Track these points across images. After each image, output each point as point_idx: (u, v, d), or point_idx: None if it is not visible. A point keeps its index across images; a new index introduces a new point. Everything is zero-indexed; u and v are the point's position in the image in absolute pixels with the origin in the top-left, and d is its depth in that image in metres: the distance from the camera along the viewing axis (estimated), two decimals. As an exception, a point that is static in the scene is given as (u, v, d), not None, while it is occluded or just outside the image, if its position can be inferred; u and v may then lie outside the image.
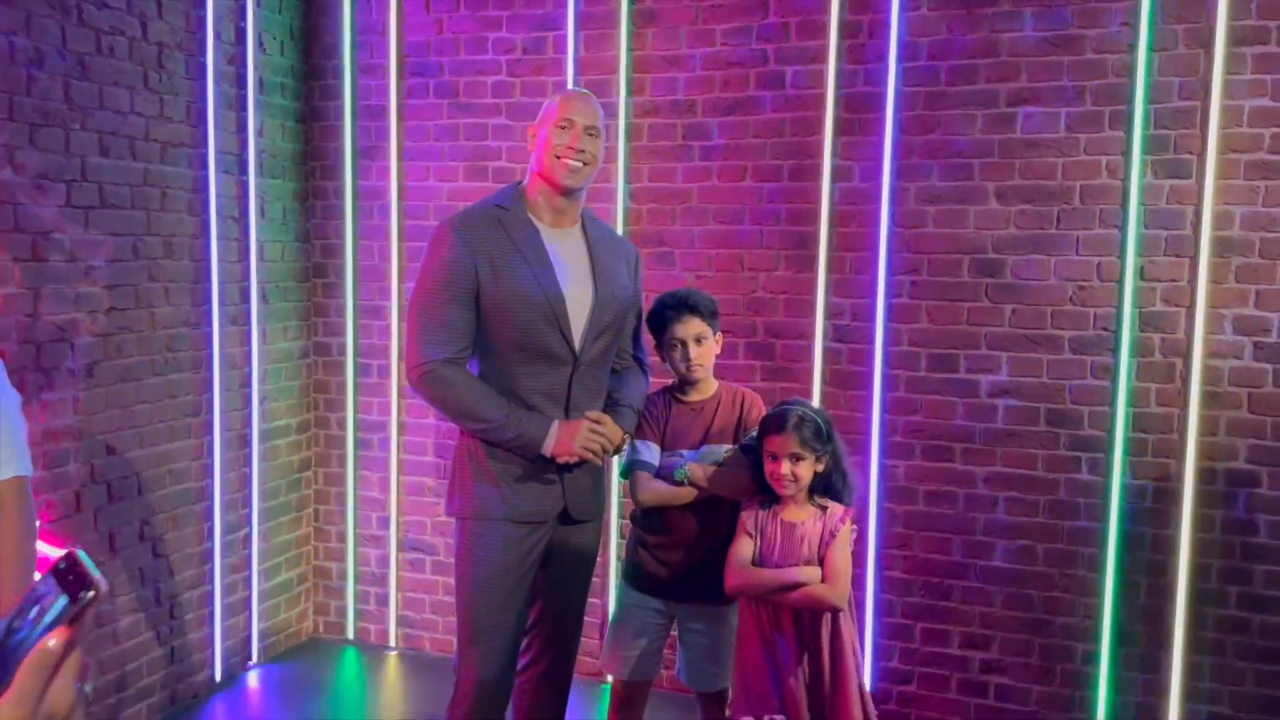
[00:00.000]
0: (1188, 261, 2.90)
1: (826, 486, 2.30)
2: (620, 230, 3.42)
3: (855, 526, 2.31)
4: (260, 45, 3.51)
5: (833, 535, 2.23)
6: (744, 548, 2.30)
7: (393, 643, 3.85)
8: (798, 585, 2.21)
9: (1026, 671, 3.12)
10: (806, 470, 2.26)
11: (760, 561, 2.29)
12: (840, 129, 3.19)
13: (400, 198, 3.70)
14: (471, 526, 2.27)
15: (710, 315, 2.41)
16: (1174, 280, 2.92)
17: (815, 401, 3.26)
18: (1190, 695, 2.96)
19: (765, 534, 2.29)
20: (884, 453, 3.22)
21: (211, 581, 3.46)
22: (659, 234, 3.41)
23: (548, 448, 2.22)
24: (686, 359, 2.39)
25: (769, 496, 2.32)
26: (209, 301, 3.36)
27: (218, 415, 3.42)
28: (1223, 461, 2.90)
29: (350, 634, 3.92)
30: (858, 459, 3.09)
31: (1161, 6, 2.87)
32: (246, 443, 3.58)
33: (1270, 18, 2.79)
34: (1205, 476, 2.91)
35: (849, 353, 3.25)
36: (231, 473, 3.52)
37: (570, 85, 3.44)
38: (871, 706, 2.27)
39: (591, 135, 2.27)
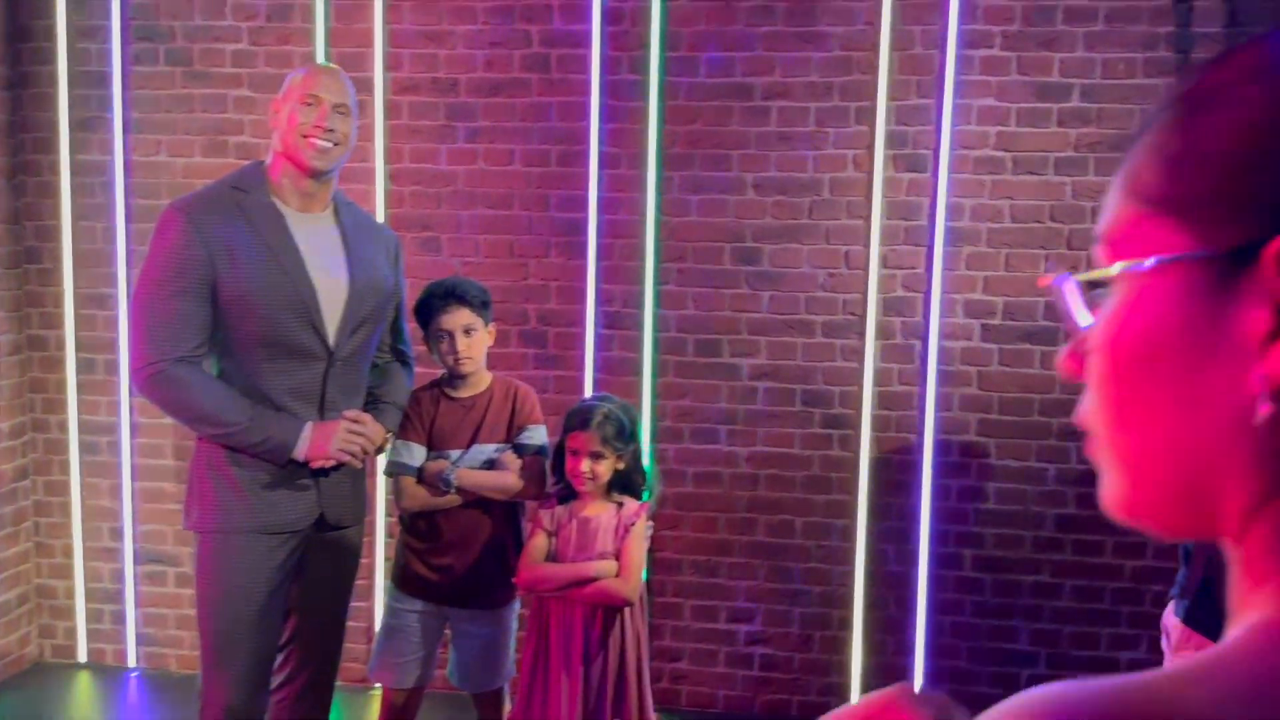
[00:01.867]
0: (924, 250, 3.11)
1: (625, 483, 2.29)
2: (380, 214, 3.26)
3: (651, 522, 2.31)
4: (-51, -3, 3.06)
5: (627, 530, 2.22)
6: (538, 543, 2.26)
7: (132, 663, 3.51)
8: (590, 580, 2.19)
9: (788, 640, 3.27)
10: (606, 468, 2.24)
11: (555, 557, 2.25)
12: (606, 116, 3.17)
13: (126, 174, 3.34)
14: (214, 541, 2.08)
15: (480, 305, 2.32)
16: (913, 268, 3.12)
17: (587, 387, 3.25)
18: (934, 652, 3.20)
19: (561, 530, 2.26)
20: (655, 437, 3.26)
21: (-95, 613, 3.02)
22: (423, 218, 3.28)
23: (300, 452, 2.07)
24: (454, 352, 2.29)
25: (566, 492, 2.29)
26: (-110, 292, 2.91)
27: (-94, 422, 2.97)
28: (956, 435, 3.14)
29: (82, 657, 3.54)
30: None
31: (900, 8, 3.04)
32: (-54, 452, 3.14)
33: (994, 23, 3.02)
34: (942, 449, 3.15)
35: (620, 339, 3.26)
36: (-73, 487, 3.08)
37: (320, 57, 3.22)
38: (650, 702, 2.29)
39: (341, 113, 2.12)
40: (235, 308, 2.03)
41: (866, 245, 3.12)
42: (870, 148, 3.09)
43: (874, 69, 3.06)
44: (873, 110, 3.07)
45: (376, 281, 2.21)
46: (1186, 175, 0.42)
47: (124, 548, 3.47)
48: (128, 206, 3.35)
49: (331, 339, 2.12)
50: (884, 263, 3.12)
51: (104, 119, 3.33)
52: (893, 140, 3.08)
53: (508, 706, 2.49)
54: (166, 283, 1.99)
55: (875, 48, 3.06)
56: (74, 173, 3.36)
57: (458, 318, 2.28)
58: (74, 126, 3.35)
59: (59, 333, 3.42)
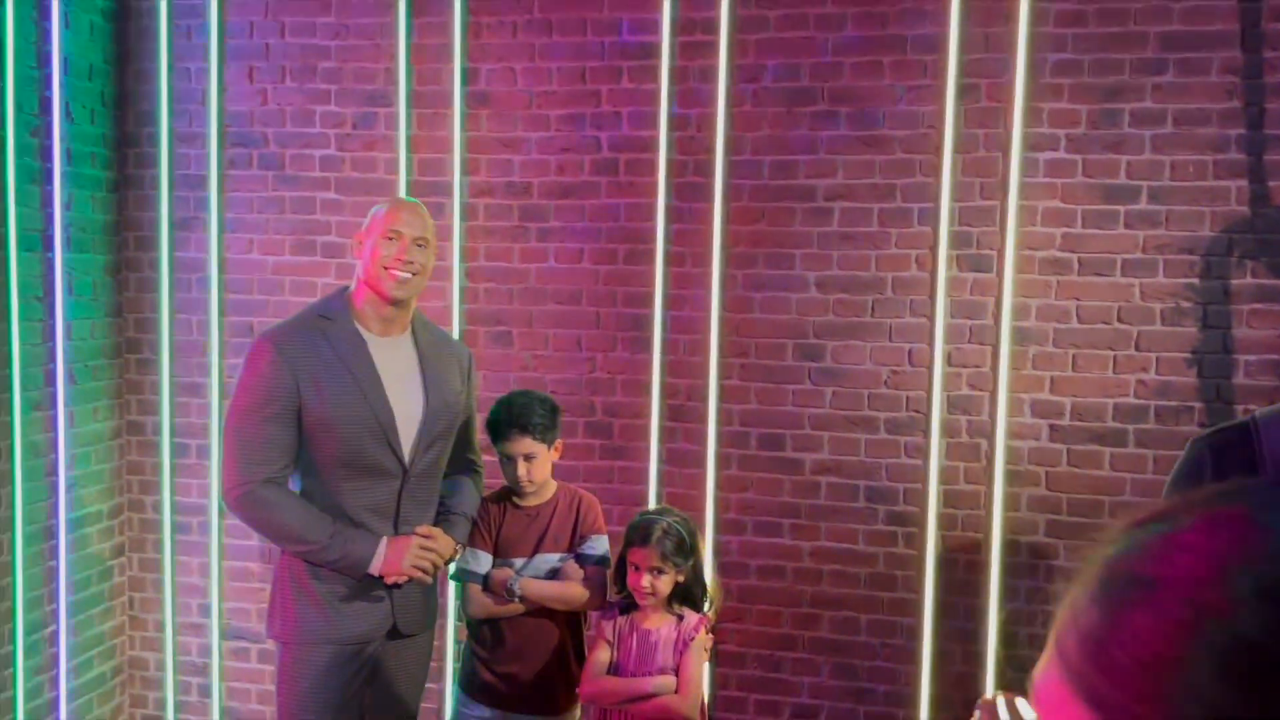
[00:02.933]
0: (990, 349, 3.11)
1: (685, 595, 2.34)
2: (456, 309, 3.39)
3: (711, 635, 2.36)
4: (68, 115, 3.31)
5: (687, 644, 2.28)
6: (600, 656, 2.32)
7: (217, 735, 3.67)
8: (650, 695, 2.24)
9: (852, 738, 3.26)
10: (667, 583, 2.30)
11: (616, 669, 2.31)
12: (672, 216, 3.27)
13: (221, 271, 3.55)
14: (294, 651, 2.20)
15: (543, 430, 2.40)
16: (978, 366, 3.13)
17: (652, 479, 3.32)
18: (999, 755, 3.16)
19: (622, 642, 2.32)
20: (717, 529, 3.31)
21: (13, 686, 3.21)
22: (496, 313, 3.40)
23: (375, 568, 2.18)
24: (516, 477, 2.39)
25: (627, 602, 2.35)
26: (9, 389, 3.13)
27: (19, 509, 3.18)
28: (1025, 535, 3.12)
29: (170, 727, 3.71)
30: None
31: (964, 112, 3.08)
32: (53, 534, 3.34)
33: (1059, 126, 3.04)
34: (1010, 549, 3.12)
35: (684, 432, 3.32)
36: (34, 568, 3.28)
37: (402, 162, 3.39)
38: None
39: (420, 246, 2.25)
40: (319, 430, 2.16)
41: (930, 343, 3.14)
42: (934, 248, 3.12)
43: (937, 171, 3.10)
44: (936, 211, 3.11)
45: (449, 400, 2.32)
46: (1102, 669, 0.45)
47: (211, 624, 3.64)
48: (222, 301, 3.55)
49: (407, 457, 2.24)
50: (948, 361, 3.14)
51: (201, 219, 3.55)
52: (956, 240, 3.11)
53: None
54: (256, 409, 2.13)
55: (938, 150, 3.10)
56: (173, 269, 3.58)
57: (519, 446, 2.37)
58: (174, 226, 3.57)
59: (155, 419, 3.63)
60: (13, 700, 3.21)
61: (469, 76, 3.34)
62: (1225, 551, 0.42)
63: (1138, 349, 3.03)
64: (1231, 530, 0.43)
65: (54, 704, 3.39)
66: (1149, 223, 3.00)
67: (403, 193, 3.39)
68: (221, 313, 3.56)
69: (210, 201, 3.53)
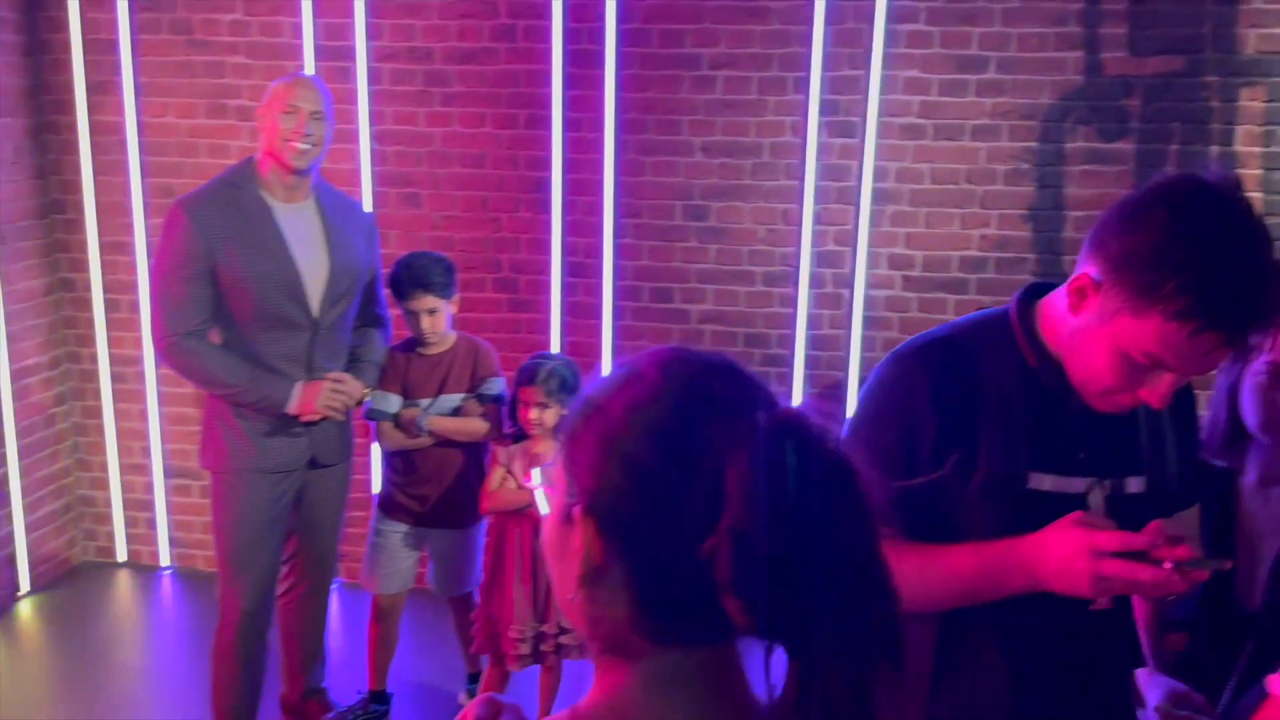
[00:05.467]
0: (852, 209, 3.45)
1: None
2: (366, 171, 3.61)
3: None
4: (-29, -22, 3.37)
5: None
6: (496, 476, 2.70)
7: (165, 562, 4.05)
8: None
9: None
10: (552, 416, 2.66)
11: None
12: (569, 83, 3.48)
13: (139, 134, 3.70)
14: (225, 479, 2.54)
15: (443, 287, 2.70)
16: (842, 225, 3.47)
17: (554, 329, 3.66)
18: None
19: (514, 464, 2.70)
20: (613, 372, 3.67)
21: (-29, 522, 3.54)
22: (405, 175, 3.63)
23: (291, 407, 2.50)
24: (420, 330, 2.70)
25: (520, 433, 2.72)
26: (-60, 250, 3.32)
27: (-39, 361, 3.43)
28: (879, 374, 3.54)
29: (121, 557, 4.08)
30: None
31: (835, -14, 3.31)
32: (-5, 384, 3.60)
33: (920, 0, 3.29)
34: (866, 386, 3.55)
35: (583, 286, 3.64)
36: (-18, 415, 3.55)
37: (307, 27, 3.53)
38: None
39: (316, 119, 2.47)
40: (233, 289, 2.43)
41: (801, 204, 3.46)
42: (806, 115, 3.40)
43: (810, 42, 3.35)
44: (809, 80, 3.37)
45: (353, 260, 2.60)
46: (568, 451, 0.75)
47: (153, 463, 3.97)
48: (142, 163, 3.72)
49: (315, 312, 2.53)
50: (817, 220, 3.47)
51: (115, 83, 3.67)
52: (826, 108, 3.39)
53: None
54: (175, 270, 2.39)
55: (811, 22, 3.33)
56: (93, 132, 3.72)
57: (422, 303, 2.68)
58: (90, 90, 3.69)
59: (86, 275, 3.84)
60: (-26, 533, 3.54)
61: (369, -56, 3.46)
62: (639, 396, 0.72)
63: (982, 207, 3.39)
64: (646, 383, 0.73)
65: (11, 536, 3.73)
66: (996, 90, 3.30)
67: (309, 56, 3.55)
68: (142, 174, 3.73)
69: (122, 65, 3.65)
